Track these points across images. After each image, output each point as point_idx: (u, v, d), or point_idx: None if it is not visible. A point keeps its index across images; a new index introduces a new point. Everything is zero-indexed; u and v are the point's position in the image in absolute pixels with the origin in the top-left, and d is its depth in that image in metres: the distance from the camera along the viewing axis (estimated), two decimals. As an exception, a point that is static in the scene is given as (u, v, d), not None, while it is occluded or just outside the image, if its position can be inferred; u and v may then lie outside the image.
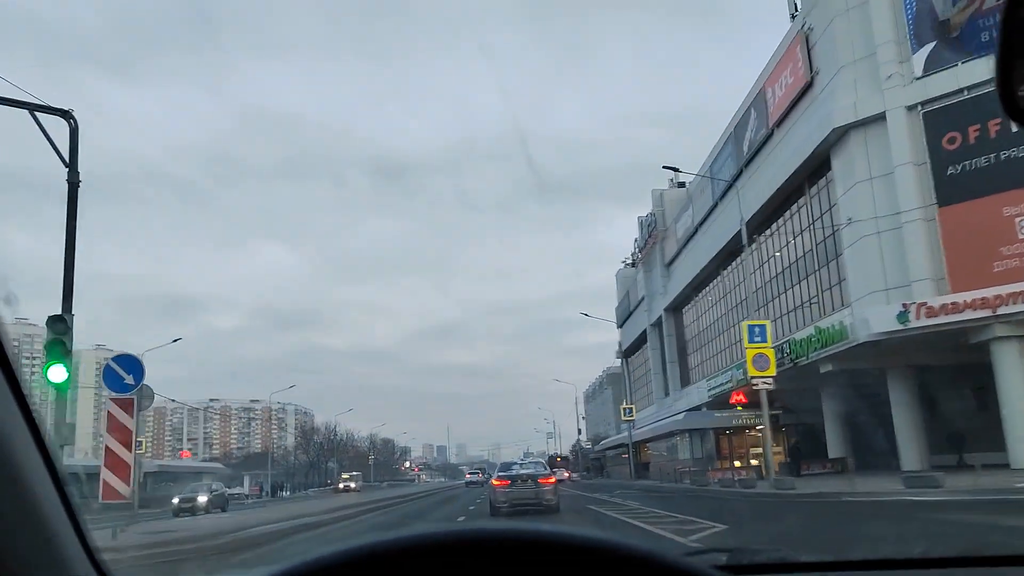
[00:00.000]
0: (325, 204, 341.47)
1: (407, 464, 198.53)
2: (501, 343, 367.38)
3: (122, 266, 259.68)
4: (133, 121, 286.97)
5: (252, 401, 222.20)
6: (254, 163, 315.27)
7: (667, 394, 60.89)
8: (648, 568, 0.58)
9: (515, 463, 25.23)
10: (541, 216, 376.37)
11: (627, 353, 75.36)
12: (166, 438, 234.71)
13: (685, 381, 56.49)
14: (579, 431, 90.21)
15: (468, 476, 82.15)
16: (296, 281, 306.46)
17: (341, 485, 71.33)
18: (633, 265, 78.94)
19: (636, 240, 65.92)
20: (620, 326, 77.23)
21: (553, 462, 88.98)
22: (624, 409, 51.81)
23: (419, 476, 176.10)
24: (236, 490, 69.43)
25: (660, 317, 60.15)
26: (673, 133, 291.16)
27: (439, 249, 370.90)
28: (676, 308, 57.58)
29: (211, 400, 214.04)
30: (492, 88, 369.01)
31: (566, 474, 75.75)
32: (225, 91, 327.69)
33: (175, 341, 49.33)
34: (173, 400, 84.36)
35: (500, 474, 22.42)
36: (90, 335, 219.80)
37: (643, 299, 65.09)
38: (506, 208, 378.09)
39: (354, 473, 79.76)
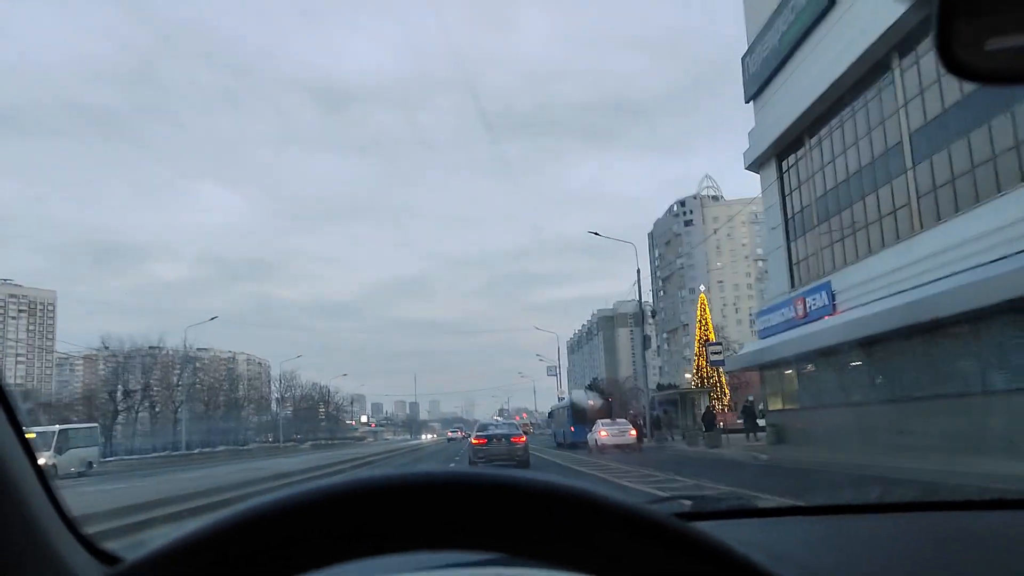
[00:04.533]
0: (267, 139, 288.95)
1: (364, 418, 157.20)
2: (469, 297, 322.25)
3: (49, 208, 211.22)
4: (35, 39, 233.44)
5: (200, 350, 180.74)
6: (182, 89, 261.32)
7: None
8: (611, 517, 0.54)
9: (491, 424, 26.43)
10: (502, 156, 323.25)
11: (781, 153, 29.87)
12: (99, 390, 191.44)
13: None
14: (647, 340, 45.48)
15: (449, 434, 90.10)
16: (245, 228, 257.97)
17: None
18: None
19: None
20: (754, 96, 31.62)
21: (583, 411, 43.58)
22: None
23: (376, 433, 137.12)
24: None
25: None
26: (650, 61, 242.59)
27: (395, 193, 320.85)
28: None
29: (150, 348, 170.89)
30: (444, 3, 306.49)
31: (631, 433, 31.59)
32: (140, 3, 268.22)
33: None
34: (106, 348, 64.46)
35: (478, 433, 23.40)
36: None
37: None
38: (464, 146, 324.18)
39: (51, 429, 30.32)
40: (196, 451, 48.85)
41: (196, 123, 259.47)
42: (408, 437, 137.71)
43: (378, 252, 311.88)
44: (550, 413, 53.46)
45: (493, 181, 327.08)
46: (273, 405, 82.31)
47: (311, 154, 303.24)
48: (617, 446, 28.02)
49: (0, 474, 0.82)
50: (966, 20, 0.98)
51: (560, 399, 53.75)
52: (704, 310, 49.64)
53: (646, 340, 35.54)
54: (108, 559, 0.94)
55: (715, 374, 46.54)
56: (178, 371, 61.34)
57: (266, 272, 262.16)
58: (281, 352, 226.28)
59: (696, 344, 49.16)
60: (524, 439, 22.82)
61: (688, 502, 2.31)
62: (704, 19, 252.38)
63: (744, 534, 1.71)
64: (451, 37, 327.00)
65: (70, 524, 0.93)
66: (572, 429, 42.30)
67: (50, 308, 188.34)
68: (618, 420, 31.04)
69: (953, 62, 1.00)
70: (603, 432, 29.20)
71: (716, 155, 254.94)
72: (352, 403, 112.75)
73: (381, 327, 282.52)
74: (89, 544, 0.95)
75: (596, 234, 36.86)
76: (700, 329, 48.98)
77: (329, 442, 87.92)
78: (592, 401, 44.29)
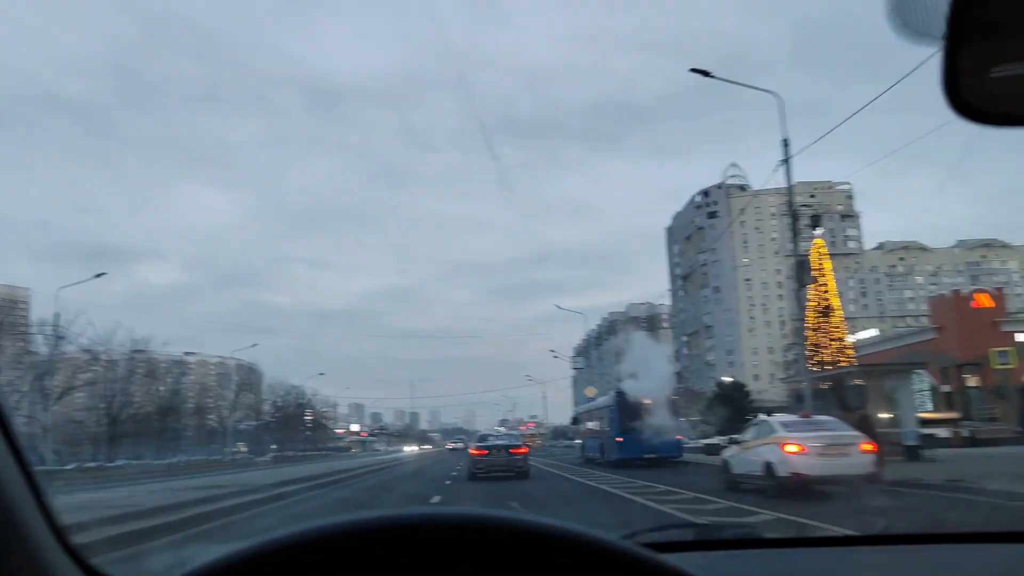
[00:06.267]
0: (257, 140, 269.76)
1: (356, 427, 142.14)
2: (469, 306, 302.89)
3: (28, 207, 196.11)
4: (9, 28, 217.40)
5: (186, 353, 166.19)
6: (168, 84, 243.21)
7: None
8: (581, 552, 0.54)
9: (491, 434, 26.48)
10: (502, 159, 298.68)
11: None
12: (77, 395, 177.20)
13: None
14: (803, 268, 29.59)
15: (450, 445, 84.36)
16: (235, 231, 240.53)
17: None
18: None
19: None
20: None
21: (639, 411, 25.55)
22: None
23: (366, 443, 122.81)
24: None
25: None
26: (659, 60, 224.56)
27: (390, 198, 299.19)
28: None
29: (134, 352, 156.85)
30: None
31: (865, 448, 14.90)
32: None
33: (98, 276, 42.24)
34: (87, 351, 52.60)
35: (478, 444, 22.95)
36: None
37: None
38: (461, 149, 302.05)
39: None
40: (72, 466, 33.55)
41: (182, 121, 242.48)
42: (400, 451, 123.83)
43: (374, 258, 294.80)
44: (575, 418, 38.02)
45: (493, 186, 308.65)
46: (226, 411, 66.83)
47: (301, 155, 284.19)
48: (842, 478, 12.21)
49: None
50: (975, 56, 0.94)
51: (590, 399, 38.27)
52: (822, 260, 33.79)
53: (801, 267, 19.57)
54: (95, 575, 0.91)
55: (842, 354, 31.02)
56: (44, 362, 45.69)
57: (257, 277, 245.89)
58: (276, 358, 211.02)
59: (809, 305, 33.29)
60: (525, 450, 22.57)
61: (691, 531, 2.24)
62: (709, 19, 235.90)
63: (747, 564, 1.67)
64: (448, 35, 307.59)
65: (60, 535, 0.90)
66: (619, 440, 27.29)
67: (23, 306, 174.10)
68: (821, 418, 14.69)
69: (960, 101, 0.96)
70: (798, 446, 12.71)
71: (724, 160, 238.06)
72: (335, 407, 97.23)
73: (379, 335, 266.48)
74: (78, 557, 0.91)
75: (705, 73, 21.26)
76: (818, 289, 33.11)
77: (303, 454, 72.39)
78: (648, 400, 28.79)
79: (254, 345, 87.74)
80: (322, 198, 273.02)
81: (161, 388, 58.27)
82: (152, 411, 54.66)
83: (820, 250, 34.07)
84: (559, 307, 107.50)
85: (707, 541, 1.99)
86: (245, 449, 73.97)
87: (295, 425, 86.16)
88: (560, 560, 0.54)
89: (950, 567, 1.67)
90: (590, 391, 41.62)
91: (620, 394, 29.10)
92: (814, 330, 32.60)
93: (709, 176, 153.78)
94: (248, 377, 70.61)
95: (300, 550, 0.55)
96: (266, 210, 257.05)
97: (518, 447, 22.05)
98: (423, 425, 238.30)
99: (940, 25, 0.92)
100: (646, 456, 25.90)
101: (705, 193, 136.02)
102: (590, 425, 34.16)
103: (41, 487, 0.88)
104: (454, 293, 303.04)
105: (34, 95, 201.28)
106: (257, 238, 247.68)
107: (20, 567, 0.79)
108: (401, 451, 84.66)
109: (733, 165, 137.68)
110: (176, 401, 59.27)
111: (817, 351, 31.76)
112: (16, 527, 0.80)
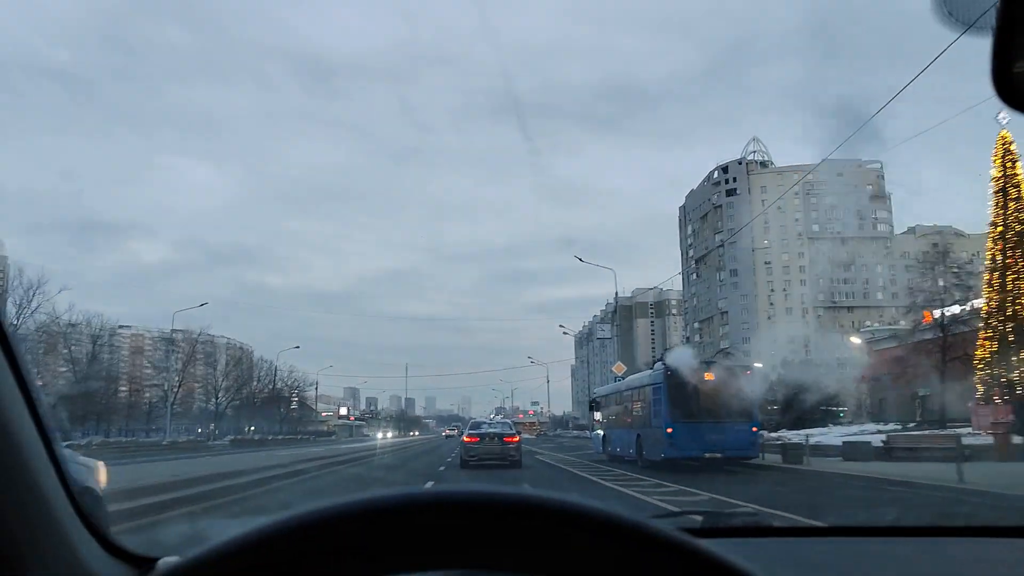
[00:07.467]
0: (250, 114, 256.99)
1: (344, 410, 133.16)
2: (466, 293, 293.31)
3: (13, 177, 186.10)
4: None
5: (173, 331, 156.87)
6: (157, 53, 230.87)
7: None
8: (610, 531, 0.53)
9: (484, 422, 25.53)
10: (502, 141, 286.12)
11: None
12: (60, 368, 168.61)
13: None
14: None
15: (446, 432, 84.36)
16: (229, 209, 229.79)
17: None
18: None
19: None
20: None
21: (696, 394, 18.31)
22: None
23: (354, 428, 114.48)
24: None
25: None
26: (664, 41, 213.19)
27: (387, 179, 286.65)
28: None
29: (120, 327, 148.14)
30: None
31: None
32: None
33: None
34: (71, 325, 50.66)
35: (470, 431, 22.90)
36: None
37: None
38: (461, 130, 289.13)
39: None
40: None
41: (170, 91, 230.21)
42: (398, 433, 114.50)
43: (370, 242, 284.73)
44: (594, 401, 28.59)
45: (489, 168, 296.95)
46: (167, 385, 57.61)
47: (294, 133, 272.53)
48: None
49: (17, 467, 0.80)
50: None
51: (618, 377, 28.89)
52: (1012, 161, 23.12)
53: None
54: (127, 556, 0.91)
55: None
56: None
57: (250, 256, 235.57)
58: (268, 341, 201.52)
59: (994, 231, 22.79)
60: (517, 439, 22.32)
61: (699, 517, 2.23)
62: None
63: (755, 553, 1.64)
64: (452, 11, 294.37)
65: (86, 519, 0.89)
66: (669, 431, 18.60)
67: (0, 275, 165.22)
68: None
69: (1010, 89, 0.90)
70: None
71: (730, 146, 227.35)
72: (315, 385, 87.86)
73: (375, 320, 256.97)
74: (104, 539, 0.91)
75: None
76: (1004, 206, 22.25)
77: (271, 438, 63.09)
78: (710, 374, 19.92)
79: (204, 304, 72.76)
80: (317, 177, 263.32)
81: (81, 357, 49.06)
82: (64, 385, 45.65)
83: (1008, 144, 23.55)
84: (580, 259, 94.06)
85: (716, 529, 1.95)
86: (218, 430, 65.13)
87: (271, 405, 77.14)
88: (598, 541, 0.52)
89: (958, 559, 1.63)
90: (619, 368, 32.30)
91: (670, 368, 20.05)
92: (1000, 271, 22.07)
93: (711, 162, 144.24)
94: (197, 352, 61.36)
95: (328, 526, 0.52)
96: (260, 188, 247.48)
97: (511, 435, 21.95)
98: (418, 411, 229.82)
99: (989, 15, 0.87)
100: (707, 455, 18.76)
101: (724, 169, 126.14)
102: (618, 412, 25.03)
103: (61, 456, 0.86)
104: (453, 279, 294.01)
105: (20, 63, 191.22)
106: (250, 216, 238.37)
107: (48, 552, 0.78)
108: (376, 439, 72.68)
109: (755, 140, 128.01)
110: (91, 373, 50.08)
111: (1008, 303, 21.06)
112: (43, 514, 0.79)
